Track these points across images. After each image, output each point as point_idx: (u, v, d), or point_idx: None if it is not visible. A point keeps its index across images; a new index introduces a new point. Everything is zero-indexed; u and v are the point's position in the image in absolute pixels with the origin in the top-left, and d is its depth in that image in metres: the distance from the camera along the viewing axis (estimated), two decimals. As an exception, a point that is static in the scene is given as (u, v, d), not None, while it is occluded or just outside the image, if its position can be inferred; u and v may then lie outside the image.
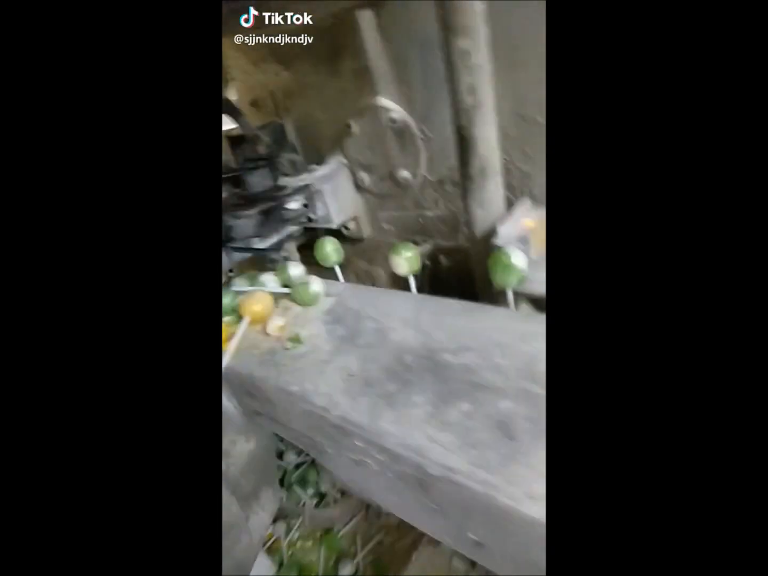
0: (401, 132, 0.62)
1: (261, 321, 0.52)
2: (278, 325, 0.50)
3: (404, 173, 0.65)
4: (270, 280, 0.57)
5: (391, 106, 0.61)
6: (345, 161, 0.71)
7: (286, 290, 0.54)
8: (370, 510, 0.92)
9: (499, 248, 0.43)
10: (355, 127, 0.66)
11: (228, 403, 0.55)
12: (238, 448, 0.58)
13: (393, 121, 0.61)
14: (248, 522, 0.59)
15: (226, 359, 0.48)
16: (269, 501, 0.63)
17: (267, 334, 0.50)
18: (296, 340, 0.47)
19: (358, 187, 0.72)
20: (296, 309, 0.53)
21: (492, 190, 0.50)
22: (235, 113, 0.65)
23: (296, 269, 0.57)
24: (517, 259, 0.41)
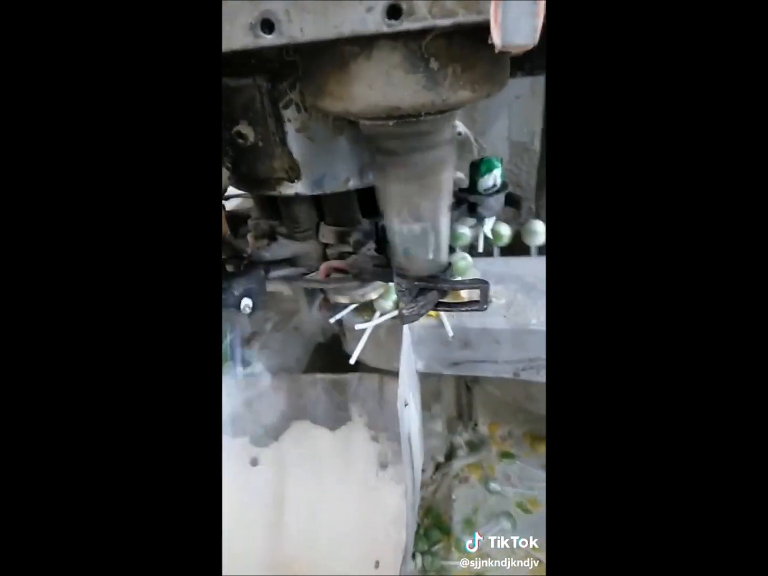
0: (462, 143, 0.80)
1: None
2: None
3: (459, 174, 0.83)
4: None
5: (456, 123, 0.79)
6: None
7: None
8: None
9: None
10: (419, 138, 0.81)
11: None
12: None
13: (459, 134, 0.79)
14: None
15: (446, 323, 0.58)
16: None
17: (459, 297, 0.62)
18: (488, 297, 0.62)
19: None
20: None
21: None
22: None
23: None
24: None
